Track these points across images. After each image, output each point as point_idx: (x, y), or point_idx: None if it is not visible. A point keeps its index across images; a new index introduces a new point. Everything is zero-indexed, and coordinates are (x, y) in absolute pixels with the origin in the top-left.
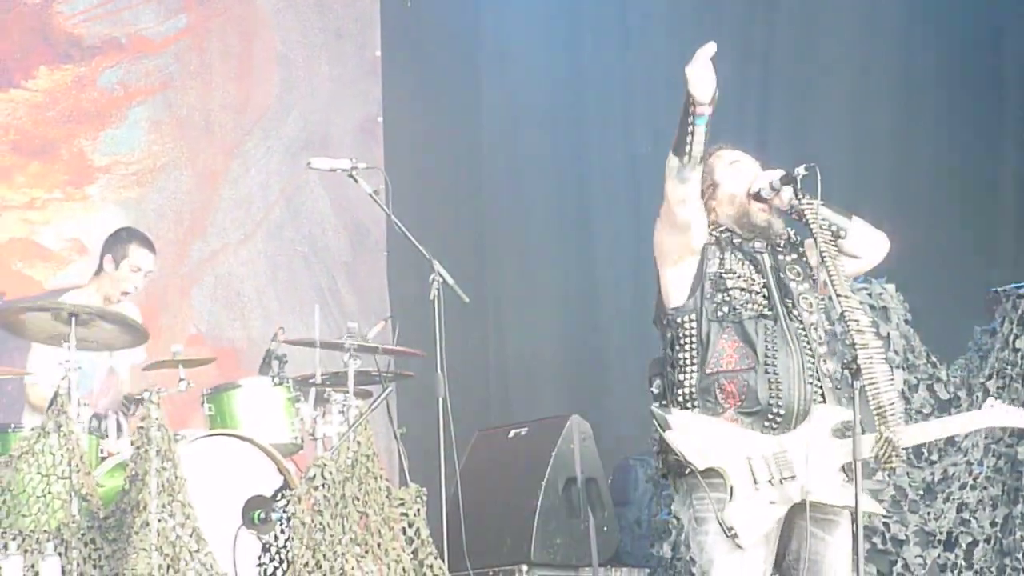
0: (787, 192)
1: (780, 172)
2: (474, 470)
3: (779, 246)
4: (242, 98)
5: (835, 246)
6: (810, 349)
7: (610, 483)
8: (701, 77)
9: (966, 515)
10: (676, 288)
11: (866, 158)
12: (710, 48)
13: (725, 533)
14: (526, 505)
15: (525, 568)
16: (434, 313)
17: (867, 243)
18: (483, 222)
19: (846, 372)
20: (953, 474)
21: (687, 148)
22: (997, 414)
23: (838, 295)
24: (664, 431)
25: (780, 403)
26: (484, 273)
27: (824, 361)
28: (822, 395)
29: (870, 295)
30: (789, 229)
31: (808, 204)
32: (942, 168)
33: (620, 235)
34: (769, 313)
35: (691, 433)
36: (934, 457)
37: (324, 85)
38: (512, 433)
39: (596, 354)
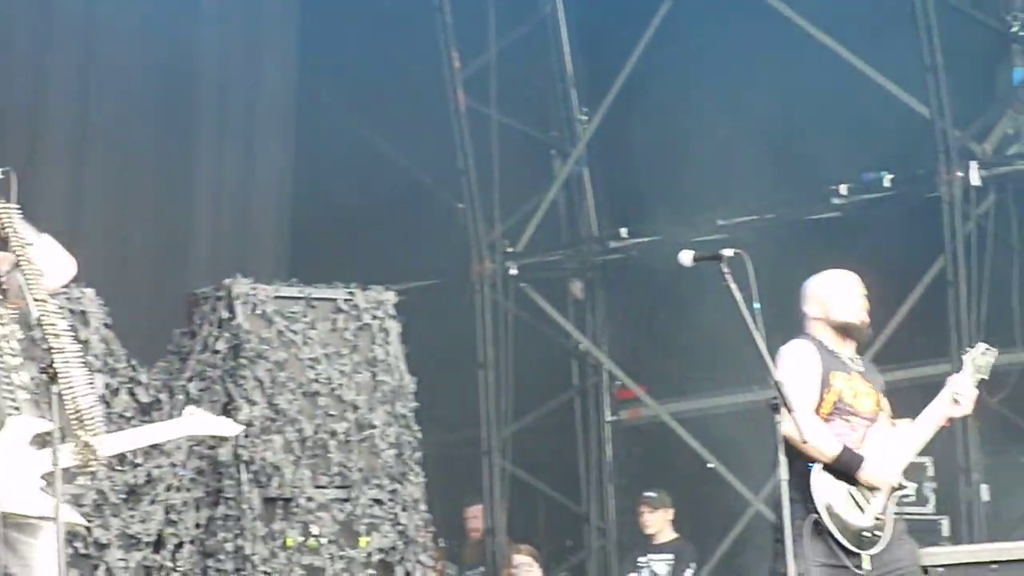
0: None
1: None
2: None
3: None
4: None
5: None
6: (2, 362)
7: None
8: None
9: (172, 516)
10: None
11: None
12: None
13: None
14: None
15: None
16: None
17: (53, 261)
18: None
19: (44, 378)
20: (158, 476)
21: None
22: (196, 422)
23: (35, 300)
24: None
25: None
26: None
27: (17, 372)
28: (17, 408)
29: (68, 299)
30: None
31: (3, 209)
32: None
33: None
34: None
35: None
36: (139, 460)
37: None
38: None
39: None
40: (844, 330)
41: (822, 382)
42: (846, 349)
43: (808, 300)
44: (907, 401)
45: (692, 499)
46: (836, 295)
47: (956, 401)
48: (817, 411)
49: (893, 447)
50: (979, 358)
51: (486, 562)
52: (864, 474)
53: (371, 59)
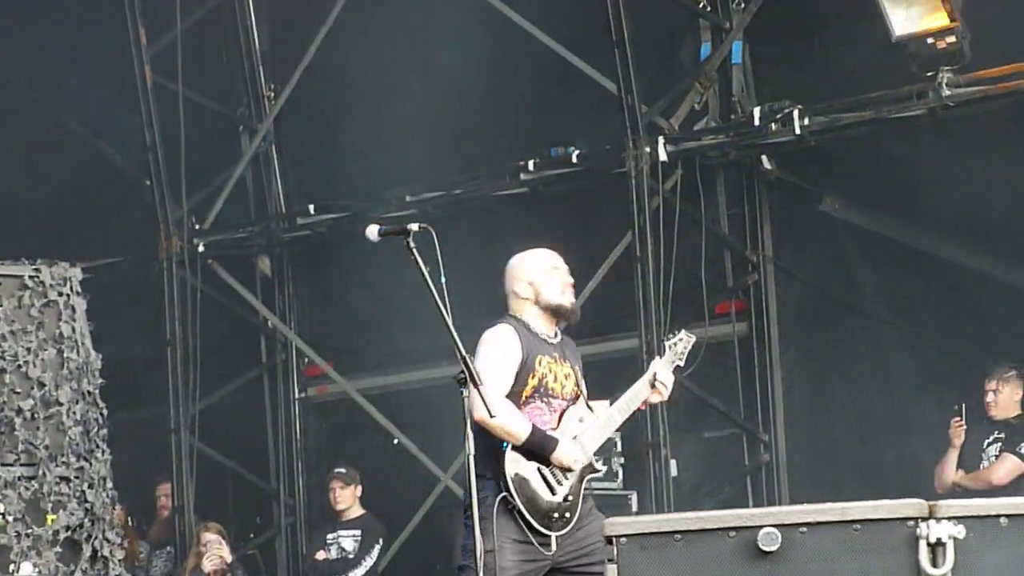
0: None
1: None
2: None
3: None
4: None
5: None
6: None
7: None
8: None
9: None
10: None
11: None
12: None
13: None
14: None
15: None
16: None
17: None
18: None
19: None
20: None
21: None
22: None
23: None
24: None
25: None
26: None
27: None
28: None
29: None
30: None
31: None
32: None
33: None
34: None
35: None
36: None
37: None
38: None
39: None
40: (555, 312)
41: (526, 367)
42: (551, 329)
43: (514, 280)
44: (596, 375)
45: (382, 476)
46: (544, 277)
47: (654, 387)
48: (520, 394)
49: (588, 428)
50: (678, 344)
51: (175, 540)
52: (556, 456)
53: (56, 34)
